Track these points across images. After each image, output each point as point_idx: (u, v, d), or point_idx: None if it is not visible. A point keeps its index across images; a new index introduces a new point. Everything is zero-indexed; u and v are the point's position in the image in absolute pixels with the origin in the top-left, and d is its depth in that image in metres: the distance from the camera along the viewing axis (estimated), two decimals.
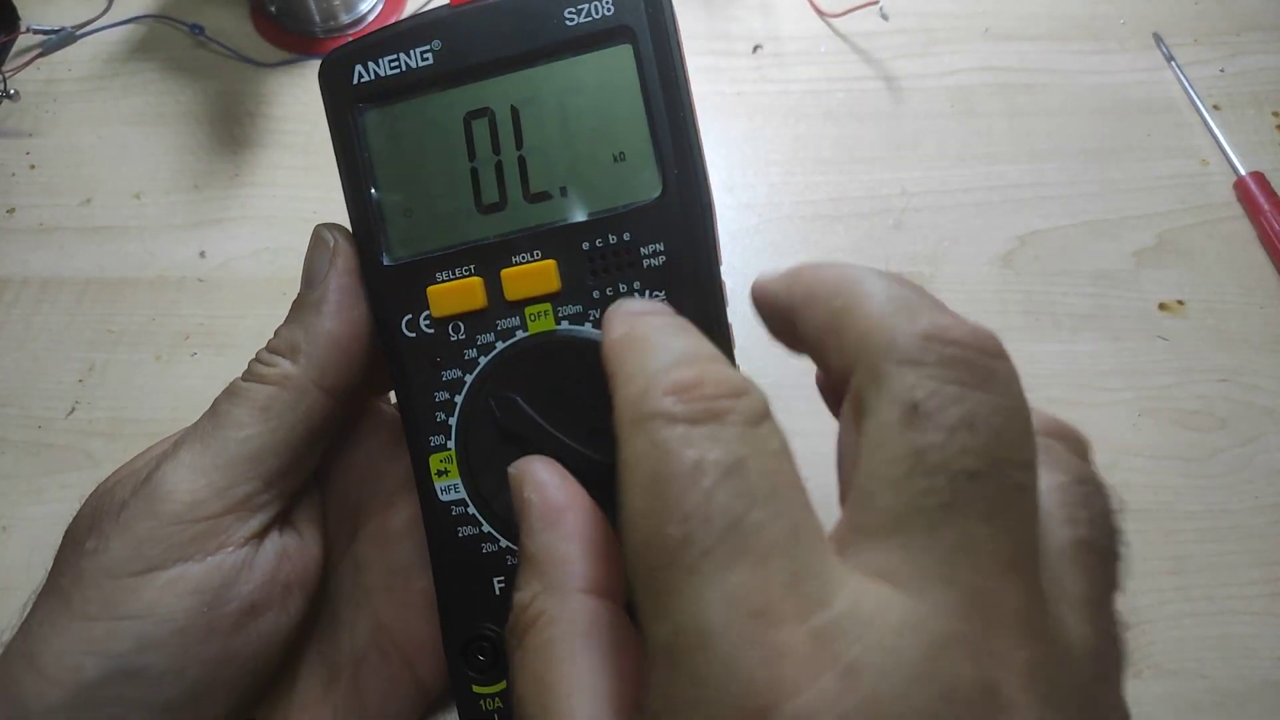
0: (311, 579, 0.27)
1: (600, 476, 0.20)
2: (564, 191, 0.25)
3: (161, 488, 0.24)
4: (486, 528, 0.26)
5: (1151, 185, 0.47)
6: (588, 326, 0.25)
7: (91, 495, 0.26)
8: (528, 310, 0.25)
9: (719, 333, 0.25)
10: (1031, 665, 0.14)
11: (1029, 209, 0.46)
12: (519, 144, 0.25)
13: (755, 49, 0.52)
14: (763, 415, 0.16)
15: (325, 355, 0.25)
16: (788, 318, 0.19)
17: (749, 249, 0.45)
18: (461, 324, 0.25)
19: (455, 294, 0.25)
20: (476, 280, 0.25)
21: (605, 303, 0.25)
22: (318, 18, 0.53)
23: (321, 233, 0.26)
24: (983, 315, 0.44)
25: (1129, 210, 0.46)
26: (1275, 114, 0.49)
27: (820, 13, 0.52)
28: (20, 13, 0.53)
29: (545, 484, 0.20)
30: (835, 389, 0.18)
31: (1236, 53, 0.51)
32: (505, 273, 0.25)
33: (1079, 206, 0.46)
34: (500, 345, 0.25)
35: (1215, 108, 0.49)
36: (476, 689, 0.26)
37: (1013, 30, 0.52)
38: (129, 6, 0.54)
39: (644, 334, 0.18)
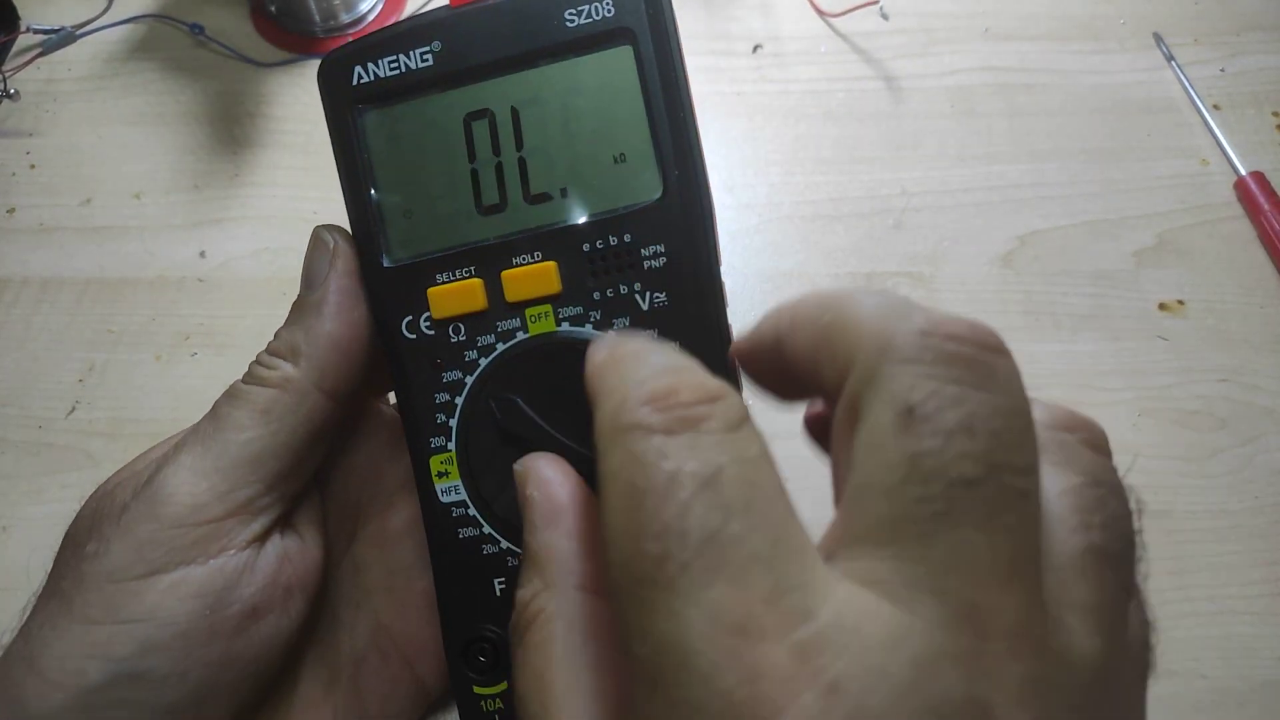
0: (312, 581, 0.27)
1: None
2: (564, 193, 0.25)
3: (163, 491, 0.24)
4: (487, 529, 0.26)
5: (1151, 185, 0.47)
6: (588, 328, 0.25)
7: (91, 497, 0.26)
8: (528, 312, 0.25)
9: (719, 333, 0.25)
10: (1028, 681, 0.13)
11: (1029, 209, 0.46)
12: (519, 145, 0.25)
13: (755, 49, 0.52)
14: (741, 420, 0.16)
15: (325, 357, 0.25)
16: (775, 355, 0.18)
17: (749, 249, 0.45)
18: (462, 325, 0.25)
19: (456, 295, 0.25)
20: (477, 282, 0.25)
21: (606, 304, 0.25)
22: (318, 18, 0.53)
23: (321, 234, 0.26)
24: (983, 315, 0.44)
25: (1129, 210, 0.46)
26: (1275, 114, 0.49)
27: (820, 13, 0.52)
28: (20, 12, 0.53)
29: (548, 481, 0.20)
30: (829, 404, 0.17)
31: (1236, 53, 0.51)
32: (506, 274, 0.25)
33: (1079, 206, 0.46)
34: (501, 347, 0.25)
35: (1215, 108, 0.49)
36: (478, 690, 0.26)
37: (1013, 30, 0.52)
38: (129, 6, 0.54)
39: (622, 354, 0.18)
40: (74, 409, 0.42)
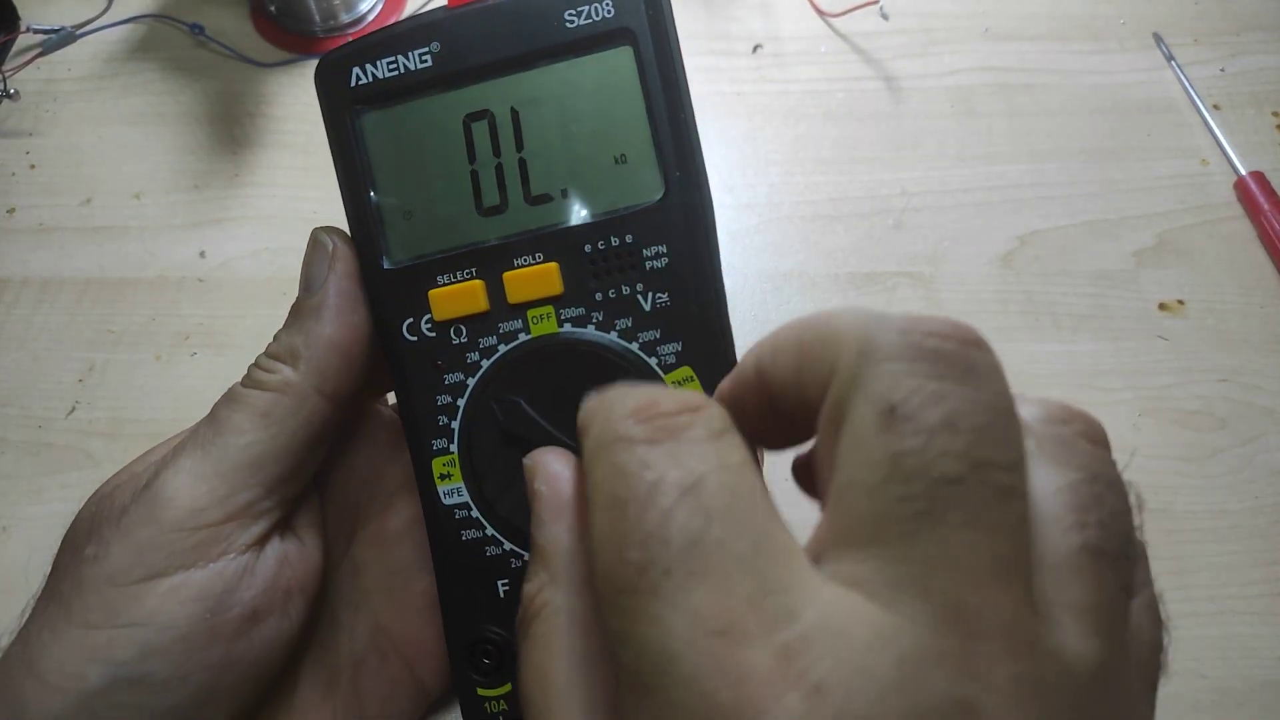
0: (312, 583, 0.27)
1: None
2: (565, 193, 0.25)
3: (162, 495, 0.24)
4: (490, 531, 0.26)
5: (1151, 185, 0.47)
6: (591, 329, 0.25)
7: (89, 500, 0.26)
8: (530, 313, 0.25)
9: (721, 332, 0.25)
10: (1017, 681, 0.13)
11: (1029, 209, 0.46)
12: (519, 146, 0.25)
13: (755, 49, 0.52)
14: (723, 429, 0.16)
15: (325, 361, 0.25)
16: (759, 390, 0.18)
17: (749, 249, 0.45)
18: (463, 327, 0.25)
19: (457, 297, 0.25)
20: (478, 283, 0.25)
21: (609, 305, 0.25)
22: (318, 18, 0.53)
23: (319, 236, 0.26)
24: (983, 315, 0.44)
25: (1129, 210, 0.46)
26: (1275, 114, 0.49)
27: (820, 13, 0.52)
28: (20, 12, 0.53)
29: (556, 476, 0.20)
30: (815, 421, 0.17)
31: (1236, 53, 0.51)
32: (508, 275, 0.25)
33: (1079, 206, 0.46)
34: (503, 348, 0.25)
35: (1215, 108, 0.49)
36: (481, 692, 0.26)
37: (1013, 30, 0.52)
38: (129, 6, 0.54)
39: (610, 392, 0.18)
40: (74, 409, 0.42)
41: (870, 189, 0.47)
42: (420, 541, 0.29)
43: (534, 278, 0.25)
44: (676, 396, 0.17)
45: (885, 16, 0.50)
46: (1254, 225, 0.45)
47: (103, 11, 0.54)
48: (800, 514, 0.18)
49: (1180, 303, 0.43)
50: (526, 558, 0.25)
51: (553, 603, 0.18)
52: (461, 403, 0.25)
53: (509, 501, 0.25)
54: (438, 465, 0.26)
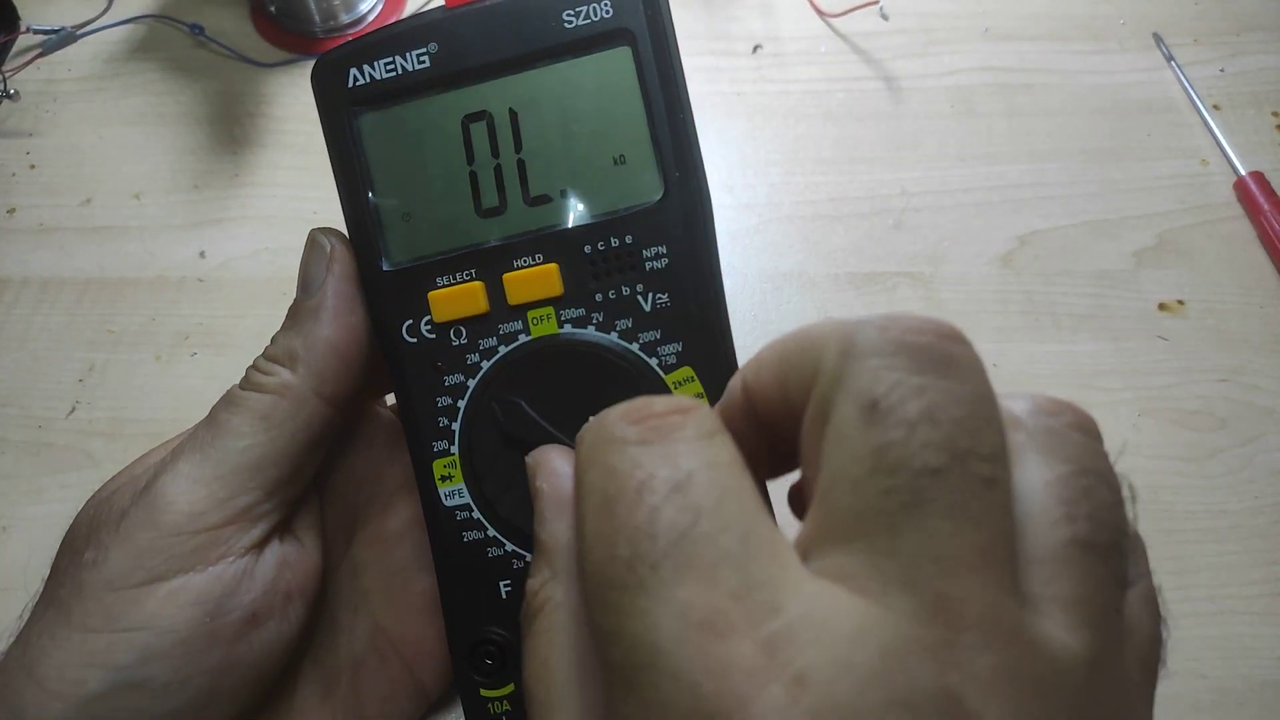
0: (312, 586, 0.27)
1: None
2: (564, 194, 0.25)
3: (161, 498, 0.24)
4: (492, 532, 0.26)
5: (1151, 185, 0.47)
6: (591, 329, 0.25)
7: (88, 504, 0.26)
8: (530, 314, 0.25)
9: (721, 332, 0.25)
10: (1000, 672, 0.13)
11: (1029, 209, 0.46)
12: (518, 147, 0.25)
13: (755, 49, 0.52)
14: (713, 430, 0.16)
15: (324, 363, 0.25)
16: (747, 410, 0.18)
17: (749, 249, 0.45)
18: (463, 329, 0.25)
19: (457, 298, 0.25)
20: (478, 285, 0.25)
21: (609, 305, 0.25)
22: (318, 18, 0.53)
23: (317, 238, 0.26)
24: (983, 315, 0.44)
25: (1129, 210, 0.46)
26: (1275, 114, 0.49)
27: (820, 13, 0.52)
28: (20, 13, 0.53)
29: (558, 473, 0.20)
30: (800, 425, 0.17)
31: (1236, 53, 0.51)
32: (507, 277, 0.25)
33: (1079, 206, 0.46)
34: (503, 349, 0.25)
35: (1215, 108, 0.49)
36: (484, 692, 0.26)
37: (1013, 30, 0.52)
38: (129, 6, 0.54)
39: (604, 412, 0.18)
40: (74, 409, 0.42)
41: (870, 189, 0.47)
42: (419, 542, 0.29)
43: (534, 279, 0.25)
44: (668, 400, 0.17)
45: (885, 16, 0.50)
46: (1254, 225, 0.45)
47: (103, 11, 0.54)
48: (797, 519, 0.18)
49: (1180, 303, 0.43)
50: (528, 559, 0.25)
51: (555, 598, 0.18)
52: (462, 404, 0.25)
53: (510, 502, 0.25)
54: (438, 467, 0.26)
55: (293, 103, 0.51)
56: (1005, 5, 0.53)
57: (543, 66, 0.25)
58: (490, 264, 0.25)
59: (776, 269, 0.45)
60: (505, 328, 0.25)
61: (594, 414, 0.17)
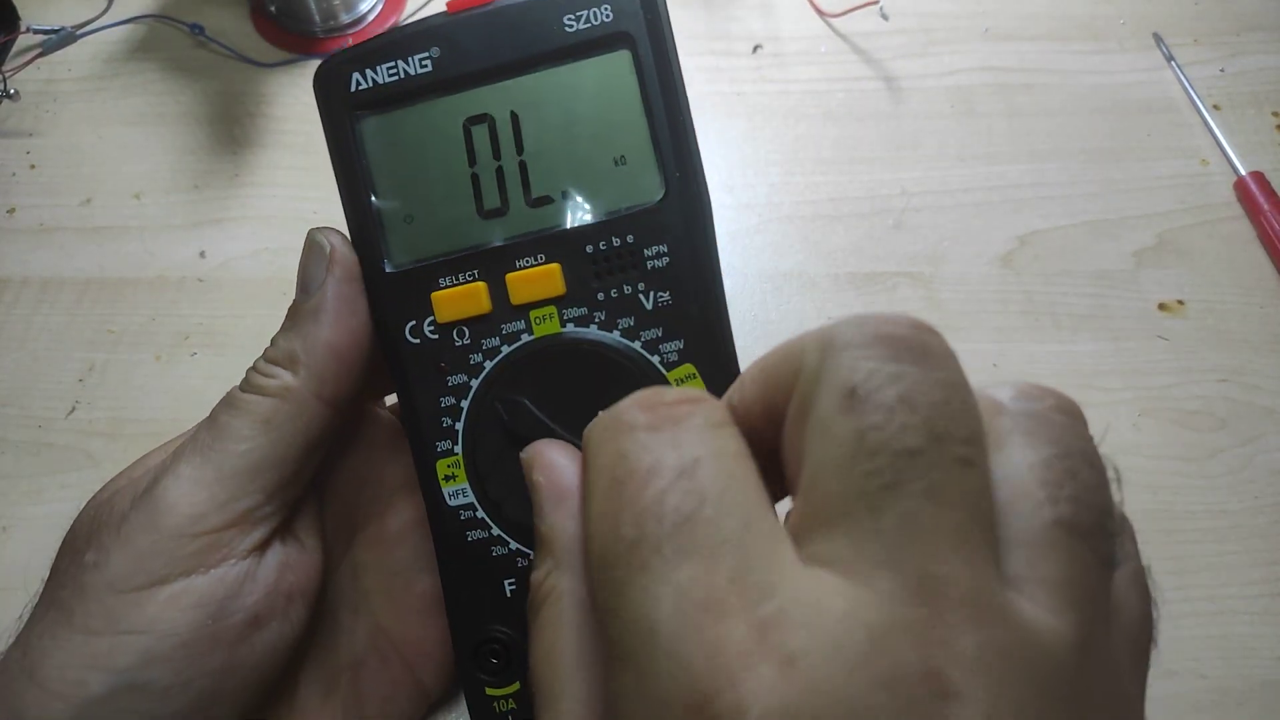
0: (313, 587, 0.27)
1: None
2: (566, 195, 0.25)
3: (163, 501, 0.24)
4: (496, 531, 0.26)
5: (1151, 185, 0.47)
6: (593, 328, 0.25)
7: (88, 505, 0.26)
8: (533, 314, 0.25)
9: (722, 330, 0.25)
10: (983, 652, 0.13)
11: (1029, 209, 0.46)
12: (519, 149, 0.25)
13: (755, 49, 0.52)
14: (721, 422, 0.17)
15: (325, 366, 0.25)
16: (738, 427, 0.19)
17: (749, 249, 0.45)
18: (466, 329, 0.25)
19: (459, 299, 0.25)
20: (481, 285, 0.25)
21: (611, 304, 0.25)
22: (318, 18, 0.53)
23: (316, 238, 0.26)
24: (983, 315, 0.44)
25: (1129, 210, 0.46)
26: (1275, 114, 0.49)
27: (820, 13, 0.52)
28: (20, 13, 0.53)
29: (552, 465, 0.20)
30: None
31: (1236, 53, 0.51)
32: (510, 277, 0.25)
33: (1079, 206, 0.46)
34: (506, 349, 0.25)
35: (1215, 108, 0.49)
36: (489, 691, 0.26)
37: (1013, 30, 0.52)
38: (129, 6, 0.54)
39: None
40: (74, 409, 0.42)
41: (870, 189, 0.47)
42: (419, 543, 0.29)
43: (536, 278, 0.25)
44: (678, 391, 0.17)
45: (885, 16, 0.50)
46: (1254, 225, 0.45)
47: (103, 11, 0.54)
48: None
49: (1180, 303, 0.43)
50: (533, 556, 0.25)
51: (559, 587, 0.18)
52: (465, 404, 0.25)
53: (514, 501, 0.25)
54: (442, 467, 0.26)
55: (293, 103, 0.51)
56: (1005, 5, 0.53)
57: (544, 70, 0.25)
58: (493, 264, 0.25)
59: (776, 269, 0.45)
60: (508, 327, 0.25)
61: (597, 412, 0.18)
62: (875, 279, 0.44)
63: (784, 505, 0.18)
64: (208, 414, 0.26)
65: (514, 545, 0.26)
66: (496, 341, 0.25)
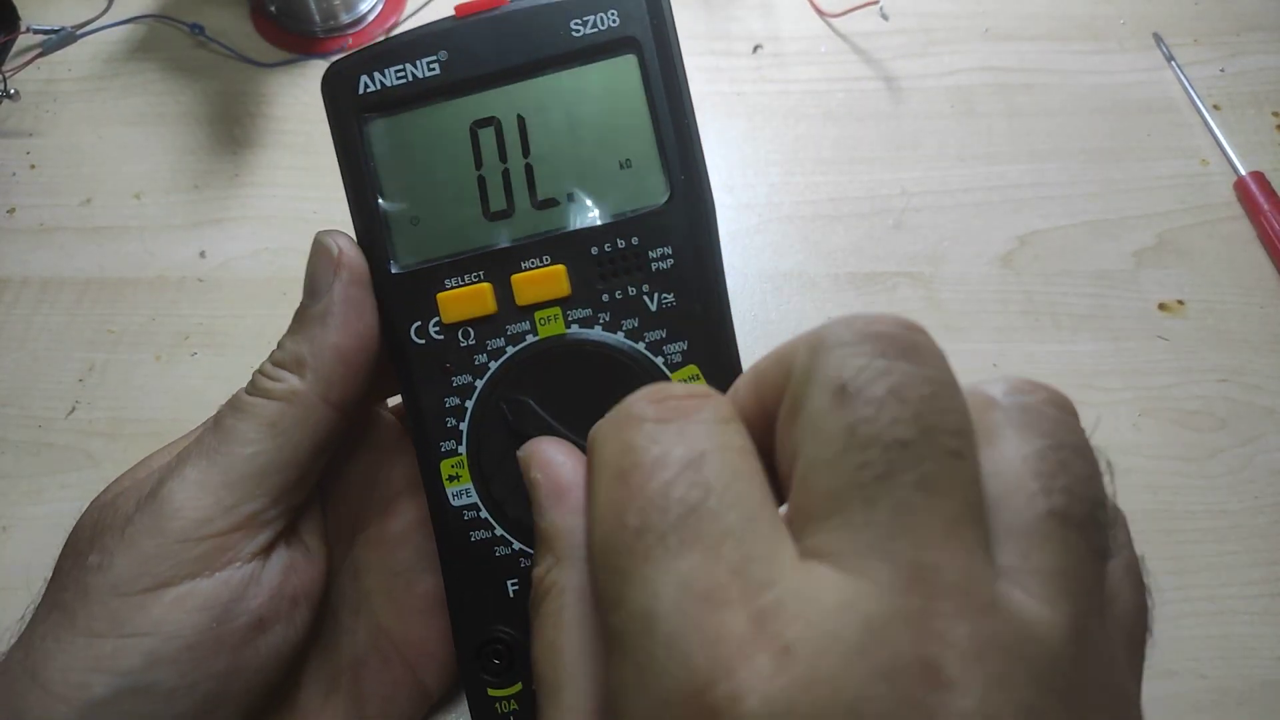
0: (317, 590, 0.27)
1: None
2: (571, 198, 0.26)
3: (169, 505, 0.24)
4: (500, 531, 0.26)
5: (1151, 185, 0.47)
6: (598, 330, 0.25)
7: (91, 507, 0.26)
8: (538, 315, 0.25)
9: (726, 331, 0.25)
10: (977, 641, 0.13)
11: (1029, 209, 0.46)
12: (525, 152, 0.26)
13: (755, 49, 0.52)
14: (729, 417, 0.17)
15: (332, 370, 0.25)
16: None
17: (749, 249, 0.45)
18: (471, 330, 0.26)
19: (465, 300, 0.26)
20: (486, 286, 0.25)
21: (615, 306, 0.25)
22: (318, 18, 0.53)
23: (324, 241, 0.26)
24: (983, 315, 0.44)
25: (1129, 210, 0.46)
26: (1275, 114, 0.49)
27: (820, 13, 0.52)
28: (20, 13, 0.53)
29: (550, 462, 0.20)
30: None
31: (1236, 53, 0.51)
32: (516, 278, 0.25)
33: (1079, 206, 0.46)
34: (511, 350, 0.25)
35: (1215, 108, 0.49)
36: (492, 692, 0.26)
37: (1013, 30, 0.52)
38: (129, 6, 0.54)
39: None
40: (74, 409, 0.42)
41: (870, 189, 0.47)
42: (421, 544, 0.29)
43: (542, 280, 0.25)
44: (687, 386, 0.18)
45: (885, 16, 0.50)
46: (1254, 225, 0.45)
47: (103, 11, 0.54)
48: None
49: (1180, 303, 0.43)
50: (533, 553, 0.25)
51: (560, 582, 0.19)
52: (470, 404, 0.26)
53: (518, 501, 0.25)
54: (446, 467, 0.26)
55: (293, 103, 0.51)
56: (1005, 5, 0.53)
57: (550, 74, 0.25)
58: (498, 266, 0.25)
59: (776, 269, 0.45)
60: (513, 328, 0.25)
61: (601, 412, 0.18)
62: (875, 279, 0.44)
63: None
64: (209, 414, 0.26)
65: (517, 545, 0.26)
66: (501, 342, 0.25)
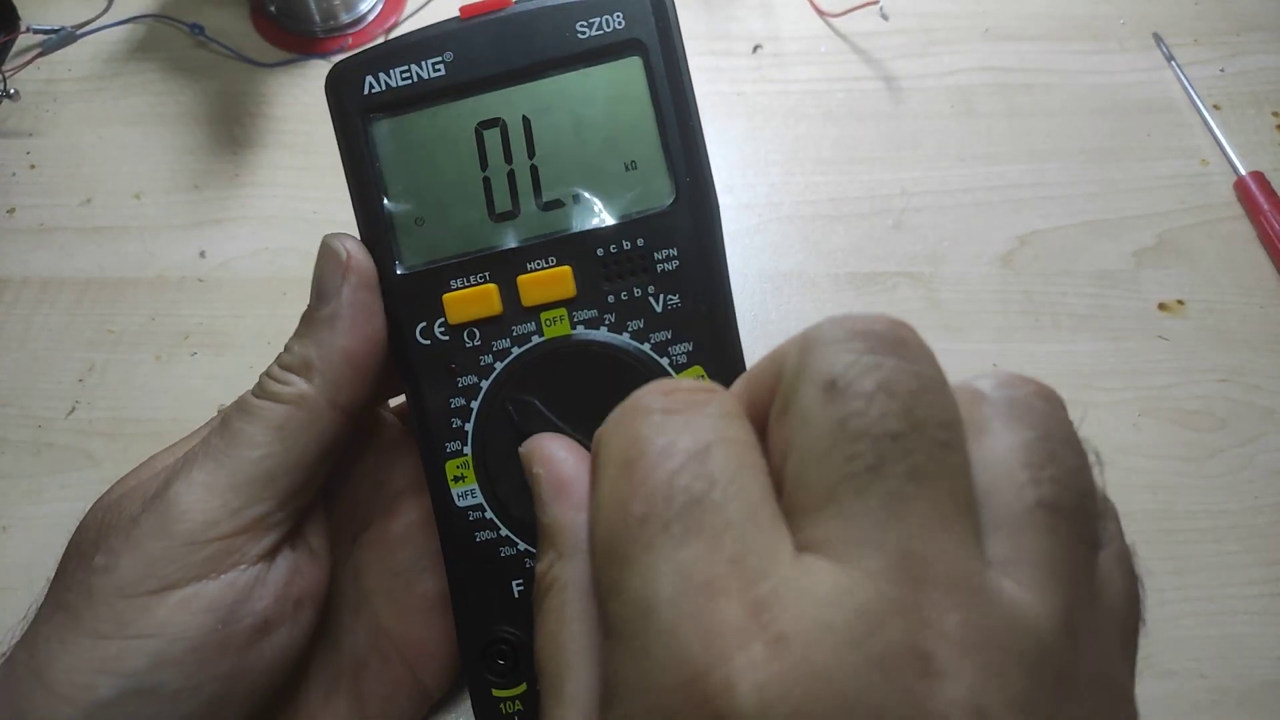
0: (322, 592, 0.27)
1: None
2: (577, 199, 0.26)
3: (175, 506, 0.24)
4: (505, 531, 0.26)
5: (1151, 185, 0.47)
6: (603, 330, 0.25)
7: (95, 508, 0.26)
8: (543, 316, 0.25)
9: (730, 331, 0.25)
10: (968, 630, 0.13)
11: (1029, 209, 0.46)
12: (531, 153, 0.26)
13: (755, 49, 0.52)
14: (734, 412, 0.17)
15: (340, 373, 0.25)
16: None
17: (749, 249, 0.45)
18: (477, 330, 0.26)
19: (470, 301, 0.26)
20: (492, 287, 0.25)
21: (621, 307, 0.25)
22: (318, 18, 0.53)
23: (332, 244, 0.26)
24: (983, 315, 0.44)
25: (1129, 210, 0.46)
26: (1275, 114, 0.49)
27: (820, 13, 0.52)
28: (20, 13, 0.53)
29: (551, 458, 0.20)
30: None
31: (1236, 53, 0.51)
32: (521, 279, 0.25)
33: (1079, 206, 0.46)
34: (516, 351, 0.26)
35: (1215, 108, 0.49)
36: (496, 692, 0.26)
37: (1013, 30, 0.52)
38: (129, 6, 0.54)
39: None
40: (74, 409, 0.42)
41: (870, 189, 0.47)
42: (422, 545, 0.29)
43: (547, 281, 0.25)
44: (694, 382, 0.18)
45: (885, 16, 0.50)
46: (1254, 225, 0.45)
47: (103, 11, 0.54)
48: None
49: (1180, 303, 0.43)
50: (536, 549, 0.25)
51: (563, 577, 0.19)
52: (475, 405, 0.26)
53: (523, 501, 0.25)
54: (451, 468, 0.26)
55: (293, 103, 0.51)
56: (1005, 5, 0.53)
57: (556, 75, 0.25)
58: (504, 267, 0.25)
59: (776, 269, 0.45)
60: (519, 329, 0.25)
61: (606, 413, 0.18)
62: (875, 279, 0.44)
63: None
64: (209, 414, 0.26)
65: (522, 546, 0.26)
66: (507, 343, 0.25)
